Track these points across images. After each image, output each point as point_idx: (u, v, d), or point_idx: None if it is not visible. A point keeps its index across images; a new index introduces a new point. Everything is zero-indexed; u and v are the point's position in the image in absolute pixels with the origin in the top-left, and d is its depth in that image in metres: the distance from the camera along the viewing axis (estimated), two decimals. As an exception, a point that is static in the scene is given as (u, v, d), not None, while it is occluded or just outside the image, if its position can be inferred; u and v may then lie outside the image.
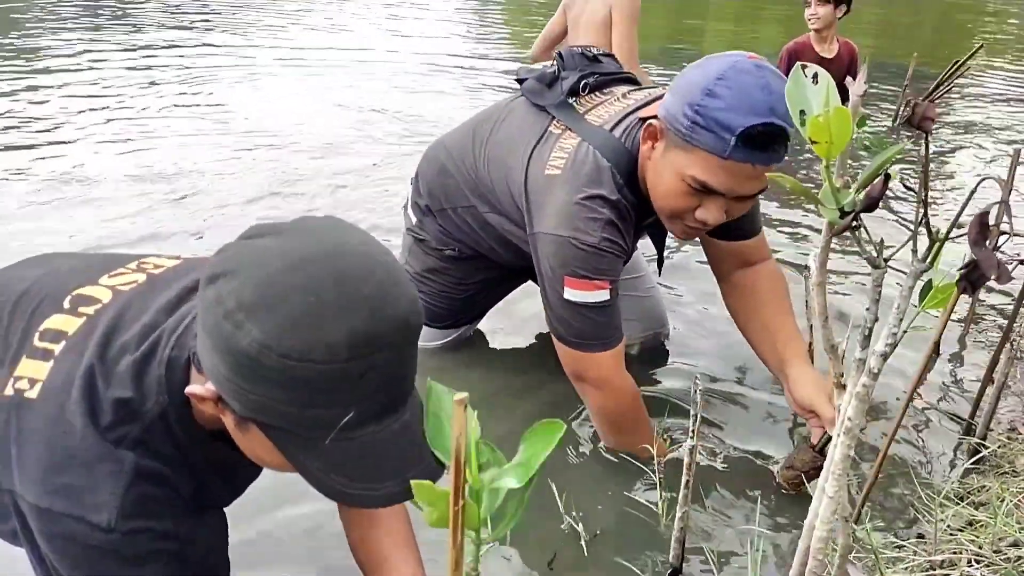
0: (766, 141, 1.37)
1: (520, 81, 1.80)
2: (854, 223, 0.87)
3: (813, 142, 0.78)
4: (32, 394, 0.89)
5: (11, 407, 0.90)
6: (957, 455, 1.78)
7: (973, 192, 0.78)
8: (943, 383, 2.08)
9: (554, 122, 1.69)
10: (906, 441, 1.81)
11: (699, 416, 1.28)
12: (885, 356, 0.86)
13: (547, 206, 1.59)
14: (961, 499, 1.52)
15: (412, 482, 0.69)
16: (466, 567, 0.81)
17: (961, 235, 0.76)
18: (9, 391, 0.91)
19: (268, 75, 5.47)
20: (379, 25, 8.11)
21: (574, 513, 1.54)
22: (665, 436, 1.78)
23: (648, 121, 1.51)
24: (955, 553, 1.24)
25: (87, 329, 0.94)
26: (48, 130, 3.96)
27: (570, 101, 1.71)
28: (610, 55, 1.84)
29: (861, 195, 0.84)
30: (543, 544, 1.48)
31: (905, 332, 0.88)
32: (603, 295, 1.57)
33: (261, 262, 0.75)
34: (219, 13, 7.97)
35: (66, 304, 0.97)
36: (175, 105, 4.55)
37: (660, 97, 1.59)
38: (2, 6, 7.42)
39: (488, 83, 5.47)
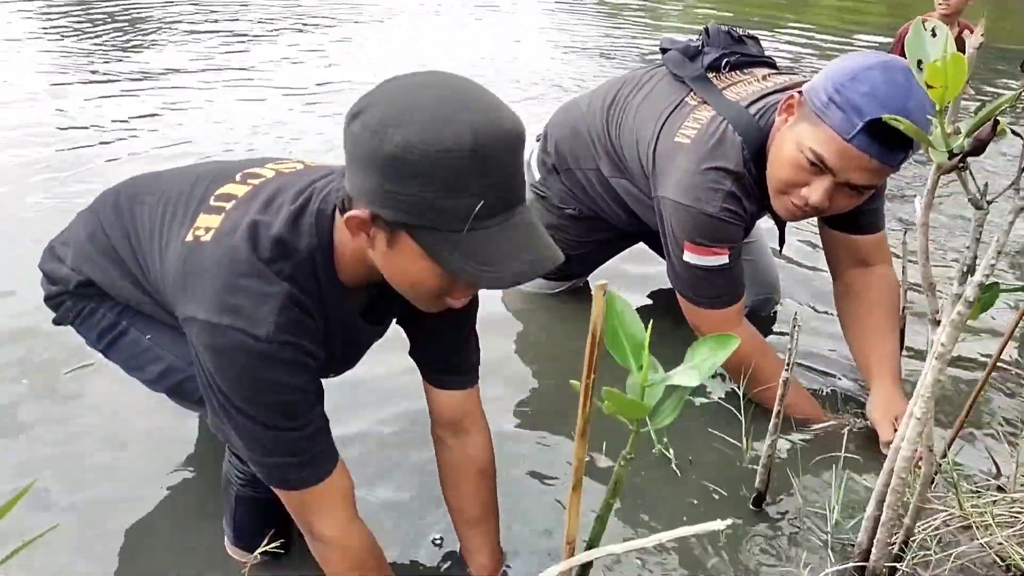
0: (890, 138, 1.40)
1: (663, 51, 1.86)
2: (960, 165, 0.96)
3: (929, 87, 0.87)
4: (207, 238, 1.10)
5: (190, 248, 1.11)
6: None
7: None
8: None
9: (691, 94, 1.75)
10: (995, 402, 1.87)
11: (796, 350, 1.38)
12: (981, 286, 0.95)
13: (672, 173, 1.67)
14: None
15: (604, 389, 0.86)
16: (624, 451, 0.96)
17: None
18: (189, 238, 1.12)
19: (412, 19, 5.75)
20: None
21: (665, 440, 1.67)
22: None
23: (791, 92, 1.56)
24: (1034, 495, 1.32)
25: (253, 193, 1.14)
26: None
27: (709, 76, 1.77)
28: (754, 37, 1.88)
29: (969, 139, 0.93)
30: (635, 466, 1.62)
31: (993, 266, 0.96)
32: (722, 259, 1.66)
33: (393, 91, 0.93)
34: None
35: (237, 177, 1.20)
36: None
37: (800, 84, 1.63)
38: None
39: (627, 53, 5.53)
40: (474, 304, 1.28)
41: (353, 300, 1.15)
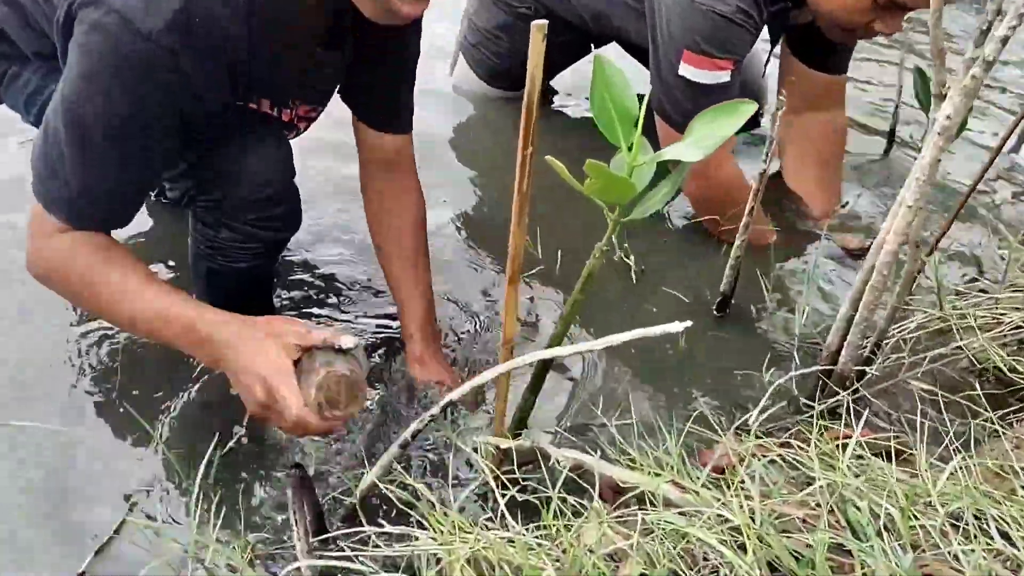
0: None
1: None
2: None
3: None
4: None
5: None
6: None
7: None
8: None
9: None
10: (990, 208, 1.77)
11: (774, 140, 1.23)
12: (1004, 41, 0.80)
13: None
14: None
15: (588, 161, 0.74)
16: (603, 242, 0.83)
17: None
18: None
19: None
20: None
21: (626, 245, 1.55)
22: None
23: None
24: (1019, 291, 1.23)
25: None
26: None
27: None
28: None
29: None
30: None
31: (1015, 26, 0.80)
32: (723, 76, 1.43)
33: None
34: None
35: None
36: None
37: None
38: None
39: None
40: (414, 54, 1.23)
41: (308, 23, 1.05)
